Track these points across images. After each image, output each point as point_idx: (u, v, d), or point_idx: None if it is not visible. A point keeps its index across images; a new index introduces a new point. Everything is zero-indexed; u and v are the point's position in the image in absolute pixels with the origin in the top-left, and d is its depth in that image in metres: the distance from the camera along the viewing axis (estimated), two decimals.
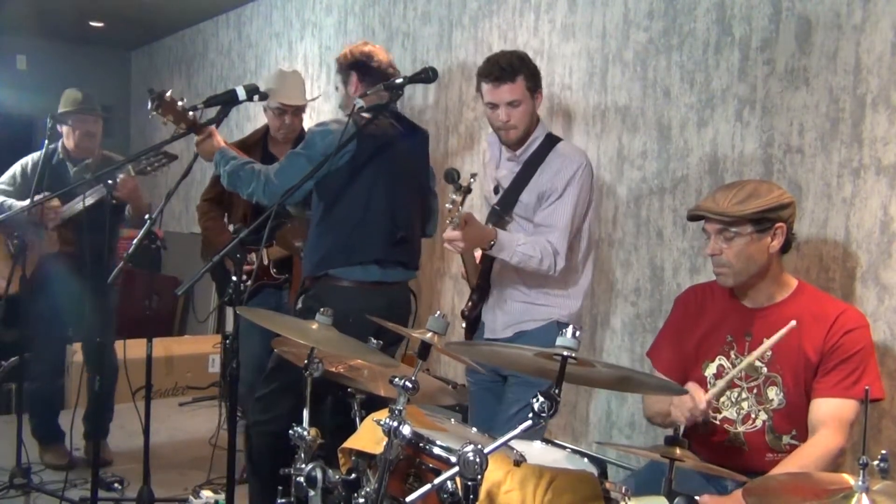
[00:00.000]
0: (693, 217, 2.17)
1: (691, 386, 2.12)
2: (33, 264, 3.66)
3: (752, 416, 2.13)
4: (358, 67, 2.91)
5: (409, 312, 3.03)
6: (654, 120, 3.09)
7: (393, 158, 2.82)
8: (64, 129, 3.81)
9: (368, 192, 2.78)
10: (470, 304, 2.76)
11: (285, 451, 2.67)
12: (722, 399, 2.18)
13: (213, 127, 2.81)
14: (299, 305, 2.90)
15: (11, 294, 3.51)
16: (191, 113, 2.76)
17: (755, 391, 2.13)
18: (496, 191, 2.73)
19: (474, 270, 2.75)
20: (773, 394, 2.10)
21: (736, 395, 2.16)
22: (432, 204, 3.14)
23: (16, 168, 3.81)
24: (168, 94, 2.73)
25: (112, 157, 3.94)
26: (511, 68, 2.53)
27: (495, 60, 2.57)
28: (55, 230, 3.66)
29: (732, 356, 2.17)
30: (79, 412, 3.50)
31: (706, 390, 2.19)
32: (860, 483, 1.34)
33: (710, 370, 2.20)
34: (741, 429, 2.14)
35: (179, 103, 2.75)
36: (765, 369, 2.11)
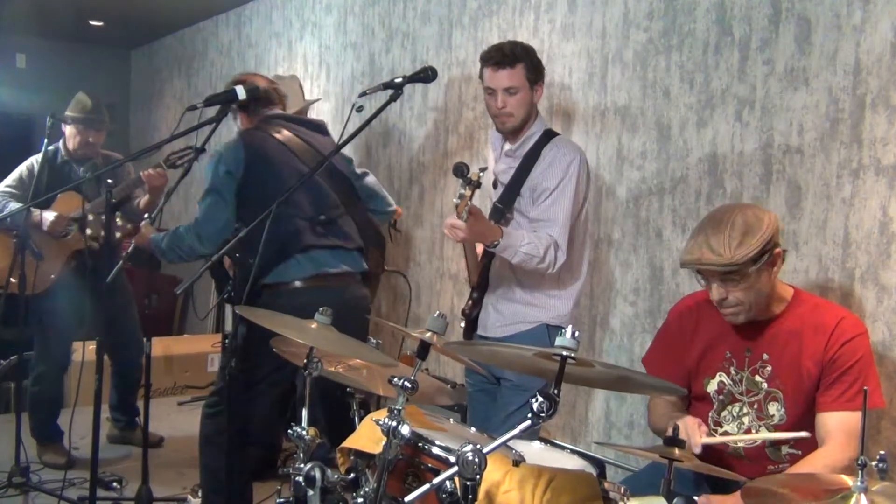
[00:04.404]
0: (689, 266, 2.06)
1: (692, 422, 2.06)
2: (61, 263, 3.81)
3: (753, 430, 2.12)
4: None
5: (366, 309, 2.97)
6: (653, 120, 3.09)
7: (290, 157, 2.88)
8: (67, 130, 3.84)
9: (273, 197, 2.64)
10: (470, 302, 2.76)
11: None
12: (723, 413, 2.17)
13: (143, 224, 2.99)
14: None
15: (11, 293, 3.52)
16: (129, 226, 2.96)
17: (756, 406, 2.12)
18: (494, 185, 2.74)
19: (475, 268, 2.75)
20: (774, 409, 2.09)
21: (737, 409, 2.15)
22: (364, 183, 3.19)
23: (21, 169, 3.85)
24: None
25: (112, 156, 3.98)
26: (513, 55, 2.55)
27: (499, 46, 2.60)
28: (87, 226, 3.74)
29: (732, 372, 2.15)
30: (87, 410, 3.51)
31: (710, 408, 2.18)
32: (859, 483, 1.34)
33: (712, 386, 2.19)
34: (741, 444, 2.14)
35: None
36: (765, 385, 2.10)
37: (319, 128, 3.14)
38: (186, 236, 2.84)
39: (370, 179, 3.25)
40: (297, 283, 2.82)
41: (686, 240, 2.95)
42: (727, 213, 2.03)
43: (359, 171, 3.26)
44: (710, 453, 2.13)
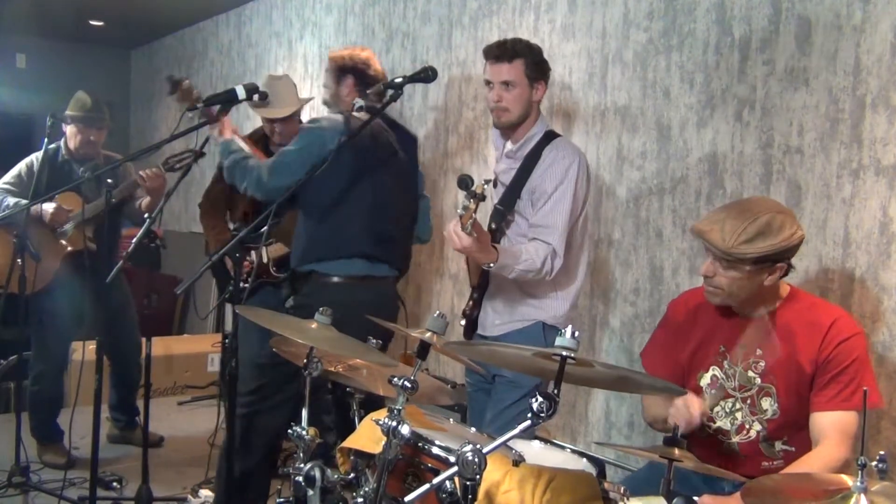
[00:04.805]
0: (695, 233, 2.08)
1: (689, 396, 2.09)
2: (57, 262, 3.79)
3: (746, 426, 2.13)
4: (356, 73, 2.99)
5: (398, 308, 3.06)
6: (653, 120, 3.09)
7: (382, 159, 2.87)
8: (67, 129, 3.84)
9: (356, 190, 2.81)
10: (471, 302, 2.76)
11: (259, 448, 2.69)
12: (716, 409, 2.18)
13: (227, 118, 2.88)
14: (290, 303, 2.91)
15: (11, 292, 3.52)
16: (193, 95, 2.90)
17: (749, 402, 2.12)
18: (494, 184, 2.73)
19: (476, 269, 2.74)
20: (767, 404, 2.09)
21: (730, 405, 2.15)
22: (422, 207, 3.19)
23: (21, 167, 3.85)
24: (186, 82, 2.92)
25: (113, 156, 3.98)
26: (512, 50, 2.55)
27: (502, 41, 2.60)
28: (78, 228, 3.72)
29: (726, 366, 2.16)
30: (88, 410, 3.53)
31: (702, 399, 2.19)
32: (858, 484, 1.34)
33: (705, 380, 2.20)
34: (735, 439, 2.14)
35: (195, 92, 2.93)
36: (758, 380, 2.10)
37: (408, 142, 3.12)
38: (252, 171, 2.79)
39: (425, 203, 3.26)
40: (338, 279, 2.83)
41: (685, 240, 2.96)
42: (759, 207, 2.02)
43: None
44: (706, 450, 2.13)
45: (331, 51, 3.18)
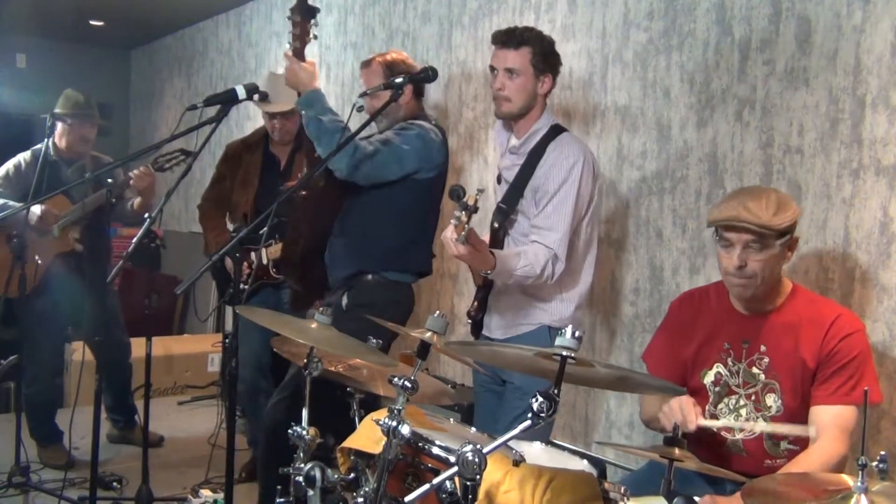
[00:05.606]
0: (724, 227, 2.03)
1: (687, 401, 2.07)
2: (45, 264, 3.76)
3: (751, 423, 2.13)
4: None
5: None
6: (653, 120, 3.09)
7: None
8: (58, 128, 3.81)
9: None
10: (475, 304, 2.71)
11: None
12: (720, 406, 2.18)
13: (315, 65, 2.86)
14: (345, 301, 2.91)
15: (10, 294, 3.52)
16: (311, 35, 2.82)
17: (753, 398, 2.12)
18: (499, 181, 2.69)
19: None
20: (772, 401, 2.10)
21: (734, 402, 2.15)
22: None
23: (8, 166, 3.82)
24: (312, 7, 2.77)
25: (101, 157, 3.96)
26: (521, 37, 2.47)
27: (511, 28, 2.53)
28: (65, 229, 3.71)
29: (730, 363, 2.16)
30: (88, 410, 3.52)
31: (706, 400, 2.18)
32: (859, 484, 1.34)
33: (709, 378, 2.20)
34: (739, 436, 2.14)
35: (311, 27, 2.81)
36: (762, 376, 2.10)
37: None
38: (349, 146, 2.61)
39: None
40: (387, 281, 2.92)
41: (685, 239, 2.96)
42: (761, 188, 2.12)
43: None
44: (709, 448, 2.13)
45: (388, 54, 3.03)
